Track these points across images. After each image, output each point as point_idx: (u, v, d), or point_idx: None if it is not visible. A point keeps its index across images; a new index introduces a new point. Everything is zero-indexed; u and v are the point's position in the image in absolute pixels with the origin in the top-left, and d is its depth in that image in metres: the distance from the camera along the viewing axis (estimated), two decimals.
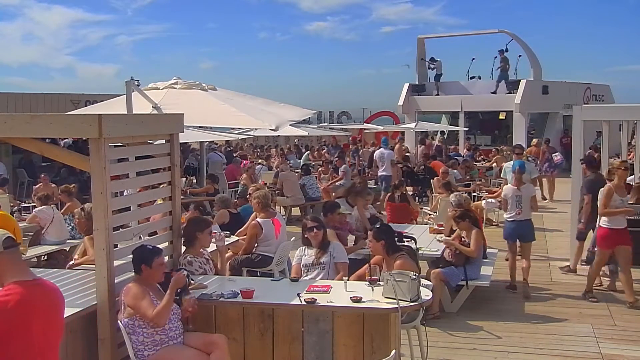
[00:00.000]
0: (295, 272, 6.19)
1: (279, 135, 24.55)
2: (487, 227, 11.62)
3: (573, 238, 9.18)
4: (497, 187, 13.54)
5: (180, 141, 5.66)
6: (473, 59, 27.32)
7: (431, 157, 18.23)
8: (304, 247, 6.29)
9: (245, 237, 7.78)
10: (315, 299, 4.79)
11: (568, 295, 8.00)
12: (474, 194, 13.89)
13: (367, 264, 6.00)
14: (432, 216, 11.52)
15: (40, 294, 2.77)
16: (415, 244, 6.94)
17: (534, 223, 8.62)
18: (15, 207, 10.93)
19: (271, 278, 6.42)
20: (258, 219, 7.62)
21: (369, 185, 12.72)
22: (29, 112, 14.95)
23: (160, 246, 5.03)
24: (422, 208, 12.59)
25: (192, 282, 5.13)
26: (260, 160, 20.46)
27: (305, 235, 6.26)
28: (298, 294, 4.89)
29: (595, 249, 7.98)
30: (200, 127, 12.47)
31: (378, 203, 11.01)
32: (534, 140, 20.07)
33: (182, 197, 6.15)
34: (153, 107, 6.98)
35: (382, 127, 27.14)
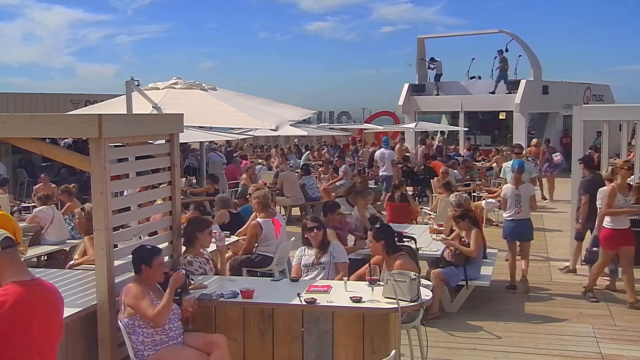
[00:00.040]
0: (295, 272, 6.19)
1: (279, 135, 24.55)
2: (487, 227, 11.62)
3: (573, 238, 9.18)
4: (497, 187, 13.55)
5: (180, 141, 5.66)
6: (473, 59, 27.37)
7: (431, 157, 18.24)
8: (304, 247, 6.29)
9: (245, 237, 7.78)
10: (315, 299, 4.79)
11: (568, 295, 8.00)
12: (474, 194, 13.89)
13: (367, 264, 6.00)
14: (432, 216, 11.52)
15: (39, 294, 2.77)
16: (415, 244, 6.94)
17: (534, 223, 8.64)
18: (15, 207, 10.93)
19: (271, 278, 6.42)
20: (258, 219, 7.62)
21: (369, 186, 12.71)
22: (29, 112, 14.96)
23: (160, 246, 5.03)
24: (422, 208, 12.59)
25: (192, 282, 5.13)
26: (260, 160, 20.46)
27: (305, 236, 6.26)
28: (298, 294, 4.89)
29: (594, 248, 7.98)
30: (200, 127, 12.47)
31: (378, 203, 10.99)
32: (533, 140, 20.08)
33: (182, 197, 6.14)
34: (153, 107, 6.98)
35: (382, 127, 27.16)
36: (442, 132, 26.65)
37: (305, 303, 4.75)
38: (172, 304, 4.52)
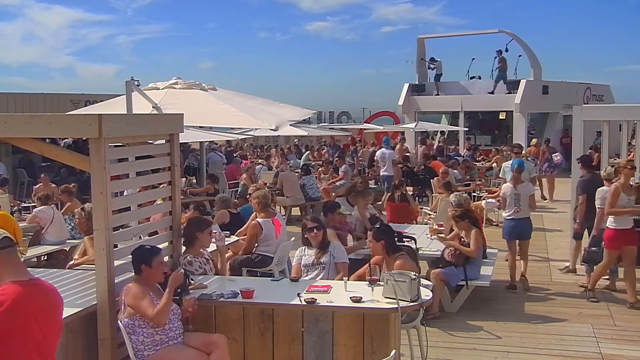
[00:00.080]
0: (295, 272, 6.19)
1: (279, 135, 24.55)
2: (487, 227, 11.62)
3: (572, 238, 9.18)
4: (497, 187, 13.53)
5: (180, 141, 5.66)
6: (473, 59, 27.36)
7: (431, 157, 18.24)
8: (304, 247, 6.29)
9: (245, 237, 7.79)
10: (315, 299, 4.79)
11: (568, 295, 8.01)
12: (474, 194, 13.89)
13: (367, 264, 6.00)
14: (432, 216, 11.52)
15: (38, 294, 2.77)
16: (415, 244, 6.94)
17: (534, 223, 8.64)
18: (15, 207, 10.93)
19: (271, 278, 6.42)
20: (258, 219, 7.62)
21: (369, 186, 12.71)
22: (29, 112, 14.96)
23: (160, 246, 5.03)
24: (422, 208, 12.59)
25: (192, 282, 5.13)
26: (260, 160, 20.47)
27: (305, 236, 6.26)
28: (298, 294, 4.89)
29: (593, 248, 7.98)
30: (200, 127, 12.47)
31: (379, 203, 11.00)
32: (533, 140, 20.08)
33: (182, 197, 6.14)
34: (153, 107, 6.98)
35: (382, 127, 27.17)
36: (442, 132, 26.64)
37: (305, 303, 4.75)
38: (172, 303, 4.52)
